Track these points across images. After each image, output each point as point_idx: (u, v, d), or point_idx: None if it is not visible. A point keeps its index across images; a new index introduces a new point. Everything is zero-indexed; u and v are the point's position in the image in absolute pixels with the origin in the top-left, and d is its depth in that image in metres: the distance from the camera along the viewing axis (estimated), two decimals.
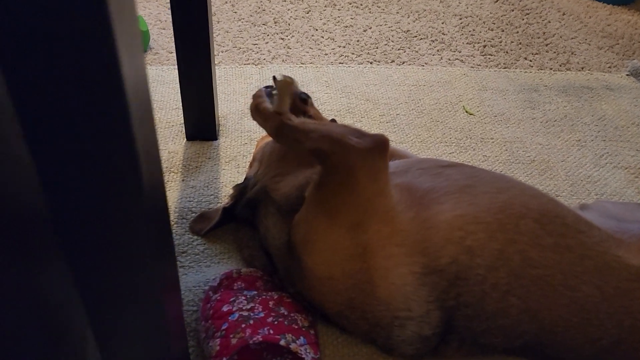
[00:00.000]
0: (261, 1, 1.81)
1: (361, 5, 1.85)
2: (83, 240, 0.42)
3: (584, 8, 1.94)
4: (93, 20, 0.31)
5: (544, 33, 1.75)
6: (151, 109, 0.41)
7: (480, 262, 0.69)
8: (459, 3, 1.89)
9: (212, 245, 0.92)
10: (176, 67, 1.08)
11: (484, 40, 1.68)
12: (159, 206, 0.45)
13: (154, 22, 1.64)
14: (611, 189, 1.11)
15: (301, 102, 0.95)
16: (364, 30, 1.70)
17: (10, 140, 0.33)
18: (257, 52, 1.55)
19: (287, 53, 1.55)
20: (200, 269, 0.87)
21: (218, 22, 1.69)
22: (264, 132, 1.20)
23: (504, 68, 1.54)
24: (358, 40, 1.64)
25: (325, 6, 1.84)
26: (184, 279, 0.85)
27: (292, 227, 0.77)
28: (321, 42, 1.62)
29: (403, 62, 1.54)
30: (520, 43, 1.68)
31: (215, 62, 1.48)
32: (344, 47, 1.60)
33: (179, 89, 1.11)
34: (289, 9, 1.80)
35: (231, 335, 0.69)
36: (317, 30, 1.69)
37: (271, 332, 0.69)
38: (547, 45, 1.68)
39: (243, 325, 0.70)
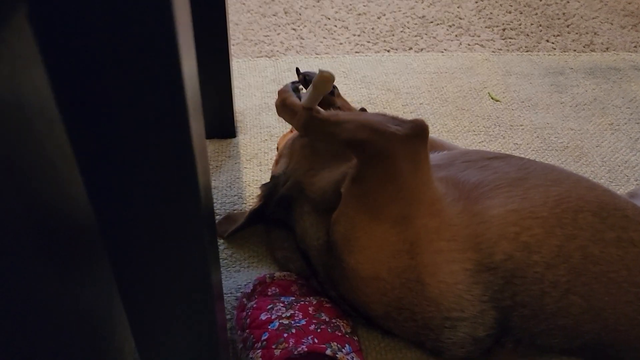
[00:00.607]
0: None
1: None
2: (133, 248, 0.38)
3: None
4: (159, 21, 0.27)
5: (564, 14, 1.69)
6: (200, 107, 0.36)
7: (538, 259, 0.65)
8: None
9: (239, 249, 0.88)
10: None
11: (503, 24, 1.62)
12: (209, 209, 0.41)
13: None
14: None
15: (329, 94, 0.90)
16: (378, 18, 1.64)
17: (55, 144, 0.29)
18: (270, 44, 1.49)
19: (301, 44, 1.50)
20: (229, 275, 0.83)
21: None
22: (284, 128, 1.15)
23: (527, 52, 1.48)
24: (373, 28, 1.58)
25: None
26: None
27: (331, 225, 0.73)
28: (335, 32, 1.57)
29: (421, 49, 1.49)
30: (540, 25, 1.62)
31: None
32: (359, 35, 1.55)
33: None
34: None
35: (273, 346, 0.65)
36: (329, 19, 1.63)
37: (316, 341, 0.65)
38: (568, 26, 1.62)
39: (285, 335, 0.66)
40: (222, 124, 1.12)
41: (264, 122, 1.18)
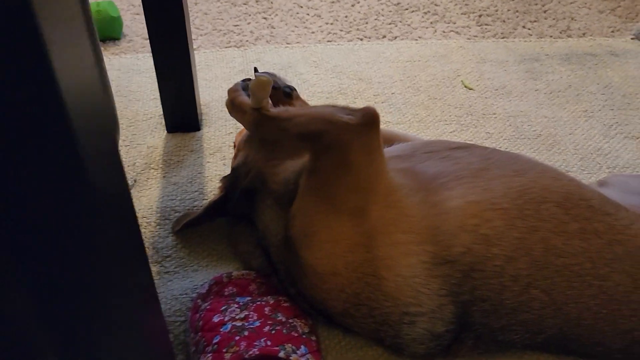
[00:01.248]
0: None
1: None
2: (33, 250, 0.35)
3: None
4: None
5: None
6: (101, 105, 0.33)
7: (498, 252, 0.62)
8: None
9: (198, 246, 0.84)
10: (152, 54, 0.99)
11: (479, 10, 1.59)
12: (116, 206, 0.38)
13: (126, 7, 1.53)
14: (623, 160, 1.05)
15: (285, 96, 0.87)
16: (352, 5, 1.60)
17: None
18: (239, 34, 1.45)
19: (271, 33, 1.46)
20: (187, 274, 0.80)
21: (196, 3, 1.59)
22: None
23: (502, 38, 1.46)
24: (346, 16, 1.54)
25: None
26: (169, 286, 0.78)
27: (289, 219, 0.70)
28: (307, 20, 1.52)
29: (395, 37, 1.45)
30: (517, 11, 1.59)
31: (195, 47, 1.38)
32: (332, 23, 1.51)
33: (156, 77, 1.02)
34: None
35: (224, 350, 0.62)
36: (302, 7, 1.59)
37: (269, 343, 0.62)
38: (545, 11, 1.59)
39: (237, 338, 0.63)
40: (185, 117, 1.08)
41: (229, 115, 1.14)
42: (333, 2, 1.62)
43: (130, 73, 1.26)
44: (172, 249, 0.84)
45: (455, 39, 1.44)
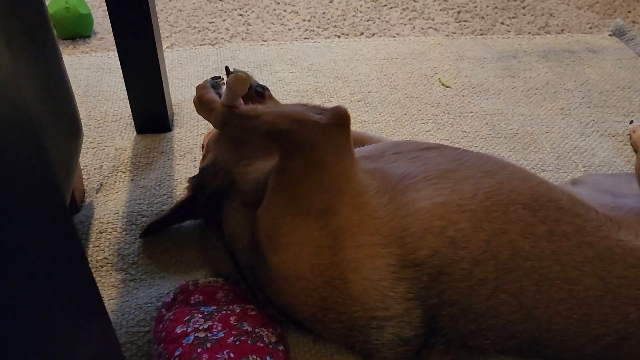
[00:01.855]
0: None
1: None
2: None
3: None
4: None
5: None
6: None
7: (465, 255, 0.61)
8: None
9: (167, 253, 0.82)
10: (117, 52, 0.96)
11: (458, 6, 1.57)
12: (41, 203, 0.35)
13: (98, 4, 1.49)
14: (599, 159, 1.04)
15: (257, 96, 0.85)
16: (330, 1, 1.58)
17: None
18: (214, 31, 1.42)
19: (247, 30, 1.43)
20: (153, 282, 0.77)
21: (170, 0, 1.55)
22: None
23: (481, 35, 1.44)
24: (324, 13, 1.52)
25: None
26: (134, 294, 0.75)
27: (256, 222, 0.68)
28: (284, 17, 1.50)
29: (373, 34, 1.43)
30: (496, 7, 1.58)
31: (168, 44, 1.35)
32: (309, 20, 1.48)
33: (122, 76, 0.99)
34: None
35: None
36: (279, 3, 1.56)
37: (232, 355, 0.60)
38: (524, 7, 1.58)
39: (199, 350, 0.60)
40: (155, 118, 1.05)
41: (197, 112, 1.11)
42: None
43: (100, 72, 1.23)
44: (138, 256, 0.81)
45: (434, 36, 1.43)
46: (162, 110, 1.04)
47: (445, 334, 0.63)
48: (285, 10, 1.53)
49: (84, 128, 1.05)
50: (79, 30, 1.33)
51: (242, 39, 1.39)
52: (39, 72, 0.68)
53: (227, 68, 0.90)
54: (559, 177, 0.99)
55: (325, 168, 0.64)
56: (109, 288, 0.76)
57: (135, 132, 1.05)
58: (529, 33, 1.46)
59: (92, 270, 0.79)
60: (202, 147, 0.93)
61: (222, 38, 1.39)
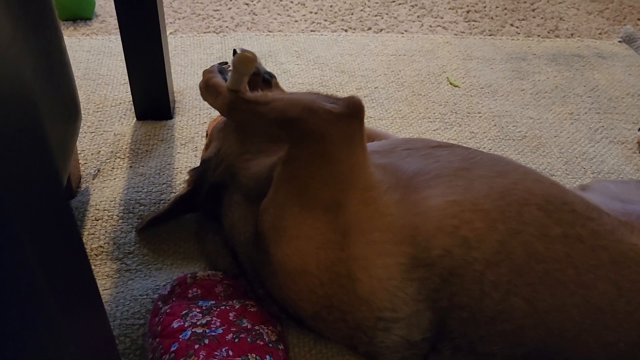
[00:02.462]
0: None
1: None
2: None
3: None
4: None
5: None
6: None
7: (478, 256, 0.59)
8: None
9: (165, 243, 0.79)
10: (120, 35, 0.93)
11: (467, 5, 1.55)
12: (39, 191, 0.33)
13: None
14: (608, 166, 1.02)
15: (264, 83, 0.82)
16: None
17: None
18: (219, 19, 1.39)
19: (253, 20, 1.40)
20: (149, 273, 0.75)
21: None
22: None
23: (490, 35, 1.42)
24: (331, 6, 1.49)
25: None
26: (130, 285, 0.72)
27: (259, 214, 0.65)
28: (290, 8, 1.47)
29: (381, 30, 1.41)
30: (505, 8, 1.56)
31: (171, 30, 1.32)
32: (316, 13, 1.45)
33: (123, 61, 0.95)
34: None
35: (182, 359, 0.57)
36: None
37: (230, 353, 0.58)
38: (533, 10, 1.56)
39: (196, 347, 0.58)
40: (156, 104, 1.02)
41: (204, 103, 1.08)
42: None
43: (101, 55, 1.19)
44: (135, 245, 0.78)
45: (442, 34, 1.40)
46: (164, 97, 1.01)
47: (454, 338, 0.61)
48: (292, 2, 1.50)
49: (83, 112, 1.02)
50: (80, 11, 1.29)
51: (248, 28, 1.37)
52: (39, 49, 0.65)
53: (234, 51, 0.87)
54: (568, 182, 0.97)
55: (335, 160, 0.61)
56: (104, 278, 0.74)
57: (135, 118, 1.02)
58: (539, 36, 1.44)
59: None
60: (206, 135, 0.90)
61: (226, 26, 1.36)
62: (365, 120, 1.07)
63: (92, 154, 0.94)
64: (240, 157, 0.75)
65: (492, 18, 1.50)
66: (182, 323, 0.61)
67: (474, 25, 1.47)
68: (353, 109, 0.62)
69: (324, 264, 0.61)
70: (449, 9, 1.53)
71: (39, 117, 0.33)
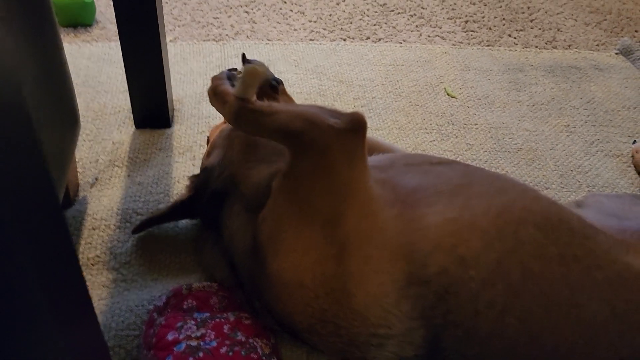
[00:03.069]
0: None
1: None
2: None
3: None
4: None
5: (529, 8, 1.64)
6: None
7: (474, 275, 0.59)
8: None
9: (161, 253, 0.80)
10: (120, 43, 0.93)
11: (466, 15, 1.56)
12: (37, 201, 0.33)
13: None
14: (603, 179, 1.03)
15: (271, 89, 0.83)
16: (337, 4, 1.56)
17: None
18: (219, 27, 1.40)
19: (252, 28, 1.41)
20: (145, 283, 0.75)
21: None
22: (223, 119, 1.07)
23: (487, 46, 1.43)
24: (330, 15, 1.50)
25: None
26: (125, 296, 0.73)
27: (258, 224, 0.66)
28: (290, 16, 1.48)
29: (379, 39, 1.41)
30: (504, 19, 1.57)
31: (171, 38, 1.32)
32: (315, 21, 1.46)
33: (123, 68, 0.96)
34: None
35: None
36: (285, 2, 1.54)
37: None
38: (532, 21, 1.58)
39: (190, 359, 0.58)
40: (155, 113, 1.02)
41: (203, 112, 1.09)
42: None
43: (101, 62, 1.20)
44: (131, 255, 0.79)
45: (440, 44, 1.41)
46: (163, 106, 1.02)
47: (447, 355, 0.61)
48: (291, 10, 1.51)
49: (82, 119, 1.02)
50: (80, 18, 1.30)
51: (247, 36, 1.37)
52: (37, 58, 0.66)
53: (243, 56, 0.87)
54: (562, 195, 0.98)
55: (335, 173, 0.62)
56: (100, 288, 0.74)
57: (134, 127, 1.03)
58: (536, 47, 1.45)
59: (83, 269, 0.76)
60: (207, 141, 0.91)
61: (226, 35, 1.37)
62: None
63: (90, 162, 0.94)
64: (242, 166, 0.75)
65: (490, 28, 1.51)
66: (177, 335, 0.62)
67: (472, 35, 1.48)
68: (355, 125, 0.63)
69: (320, 278, 0.62)
70: (448, 18, 1.54)
71: (32, 128, 0.33)
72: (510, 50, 1.42)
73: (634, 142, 1.12)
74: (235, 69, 0.84)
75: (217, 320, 0.65)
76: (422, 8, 1.58)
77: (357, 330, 0.62)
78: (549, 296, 0.60)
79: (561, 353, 0.61)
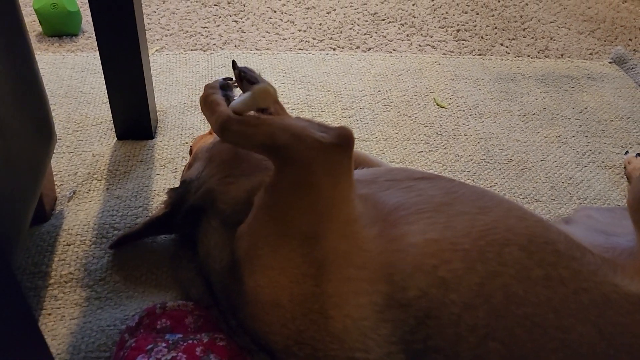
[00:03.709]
0: None
1: None
2: None
3: None
4: None
5: (521, 16, 1.63)
6: None
7: (456, 299, 0.57)
8: None
9: (137, 270, 0.77)
10: (99, 52, 0.92)
11: (458, 24, 1.54)
12: None
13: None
14: (595, 191, 1.01)
15: None
16: (327, 13, 1.54)
17: None
18: (207, 37, 1.38)
19: (241, 38, 1.39)
20: (119, 301, 0.73)
21: (164, 2, 1.51)
22: (207, 129, 1.05)
23: (479, 55, 1.41)
24: (320, 24, 1.48)
25: None
26: (98, 314, 0.70)
27: (236, 240, 0.64)
28: (279, 26, 1.46)
29: (369, 49, 1.40)
30: (496, 27, 1.55)
31: (158, 48, 1.31)
32: (305, 31, 1.45)
33: (104, 79, 0.94)
34: None
35: None
36: (275, 12, 1.53)
37: None
38: (524, 30, 1.56)
39: None
40: (136, 124, 1.00)
41: (187, 123, 1.07)
42: (308, 8, 1.56)
43: (85, 73, 1.18)
44: (106, 272, 0.76)
45: (431, 54, 1.40)
46: (145, 117, 1.00)
47: None
48: (281, 19, 1.49)
49: (62, 131, 1.01)
50: (65, 27, 1.28)
51: (235, 46, 1.36)
52: (8, 72, 0.64)
53: (234, 63, 0.85)
54: (553, 208, 0.96)
55: (318, 190, 0.60)
56: (72, 306, 0.72)
57: (116, 138, 1.01)
58: (528, 56, 1.44)
59: (56, 286, 0.74)
60: (190, 152, 0.89)
61: (214, 44, 1.35)
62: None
63: (69, 175, 0.92)
64: (221, 181, 0.74)
65: (482, 37, 1.50)
66: (147, 358, 0.59)
67: (463, 44, 1.46)
68: (342, 140, 0.61)
69: (297, 298, 0.59)
70: (439, 27, 1.53)
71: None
72: (502, 59, 1.40)
73: (626, 152, 1.10)
74: (230, 79, 0.82)
75: (190, 342, 0.62)
76: (414, 17, 1.56)
77: (334, 354, 0.59)
78: (533, 320, 0.57)
79: None
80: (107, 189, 0.90)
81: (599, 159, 1.09)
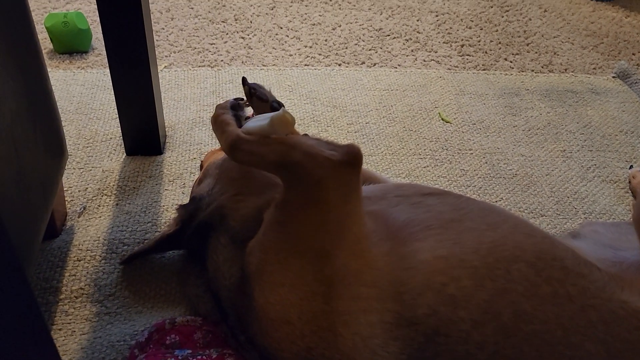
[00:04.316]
0: None
1: (330, 0, 1.72)
2: None
3: (567, 4, 1.85)
4: None
5: (525, 32, 1.65)
6: None
7: (465, 316, 0.57)
8: None
9: (146, 285, 0.78)
10: (109, 69, 0.93)
11: (462, 40, 1.56)
12: None
13: (98, 20, 1.47)
14: (600, 206, 1.01)
15: (271, 111, 0.82)
16: (333, 29, 1.57)
17: None
18: (214, 53, 1.40)
19: (248, 54, 1.41)
20: (129, 316, 0.73)
21: (172, 19, 1.54)
22: (216, 145, 1.06)
23: (483, 70, 1.43)
24: (326, 40, 1.51)
25: (291, 2, 1.70)
26: (108, 329, 0.71)
27: (246, 256, 0.64)
28: (286, 42, 1.48)
29: (374, 64, 1.42)
30: (499, 42, 1.57)
31: (166, 64, 1.33)
32: (311, 47, 1.47)
33: (113, 95, 0.96)
34: (251, 5, 1.65)
35: None
36: (281, 28, 1.55)
37: None
38: (528, 44, 1.58)
39: None
40: (146, 140, 1.02)
41: (195, 139, 1.09)
42: (314, 24, 1.58)
43: (95, 89, 1.20)
44: (116, 287, 0.77)
45: (436, 69, 1.41)
46: (154, 133, 1.01)
47: None
48: (287, 36, 1.51)
49: (72, 147, 1.03)
50: (76, 45, 1.31)
51: (242, 62, 1.38)
52: (21, 90, 0.66)
53: (244, 80, 0.86)
54: (558, 222, 0.96)
55: (329, 207, 0.60)
56: (82, 321, 0.72)
57: (125, 154, 1.02)
58: (532, 71, 1.45)
59: (66, 302, 0.75)
60: (200, 167, 0.90)
61: (221, 60, 1.37)
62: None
63: (79, 191, 0.93)
64: (232, 198, 0.74)
65: (486, 52, 1.51)
66: None
67: (467, 59, 1.47)
68: (351, 158, 0.62)
69: (307, 315, 0.60)
70: (444, 43, 1.54)
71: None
72: (506, 74, 1.41)
73: (631, 167, 1.10)
74: (241, 99, 0.83)
75: (199, 357, 0.63)
76: (418, 32, 1.58)
77: None
78: (541, 337, 0.57)
79: None
80: (117, 204, 0.91)
81: (604, 173, 1.09)
